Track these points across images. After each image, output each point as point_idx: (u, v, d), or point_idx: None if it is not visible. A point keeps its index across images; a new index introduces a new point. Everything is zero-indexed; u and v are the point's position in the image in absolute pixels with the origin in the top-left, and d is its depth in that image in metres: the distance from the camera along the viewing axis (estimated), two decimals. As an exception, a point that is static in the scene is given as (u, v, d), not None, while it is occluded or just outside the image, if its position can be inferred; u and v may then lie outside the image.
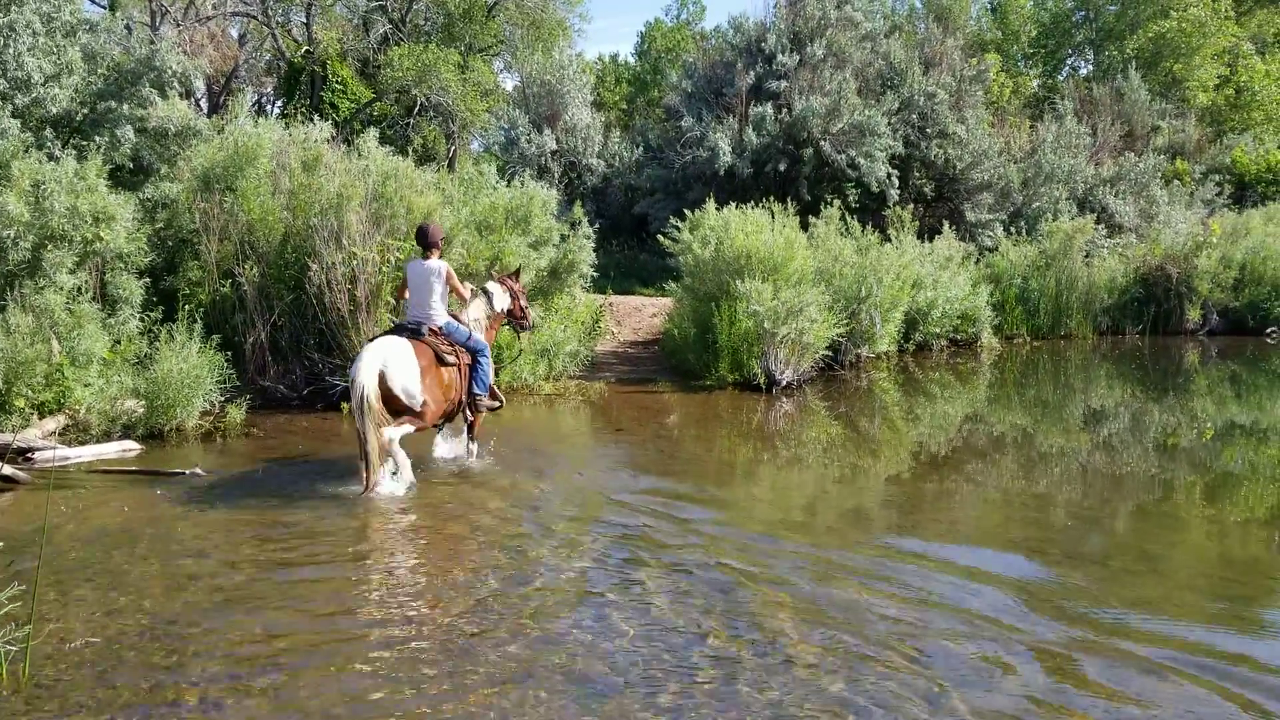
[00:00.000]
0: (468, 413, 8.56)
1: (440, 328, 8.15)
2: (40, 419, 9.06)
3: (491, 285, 8.97)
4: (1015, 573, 5.92)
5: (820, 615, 5.11)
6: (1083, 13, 38.83)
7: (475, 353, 8.37)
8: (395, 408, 7.49)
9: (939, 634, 4.86)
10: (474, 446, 8.76)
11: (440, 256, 8.32)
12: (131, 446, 8.99)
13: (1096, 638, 4.87)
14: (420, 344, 7.85)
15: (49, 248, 9.71)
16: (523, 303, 9.24)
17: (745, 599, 5.32)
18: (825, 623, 5.01)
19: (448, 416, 8.36)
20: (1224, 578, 6.07)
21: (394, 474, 7.59)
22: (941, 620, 5.05)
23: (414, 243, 9.31)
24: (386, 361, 7.46)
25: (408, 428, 7.62)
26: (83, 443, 8.94)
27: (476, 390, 8.38)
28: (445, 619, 5.04)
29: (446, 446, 8.84)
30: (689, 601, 5.28)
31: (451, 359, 8.08)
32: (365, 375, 7.28)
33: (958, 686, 4.30)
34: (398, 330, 8.10)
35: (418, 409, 7.64)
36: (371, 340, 7.94)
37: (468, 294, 8.70)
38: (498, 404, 8.80)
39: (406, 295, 8.34)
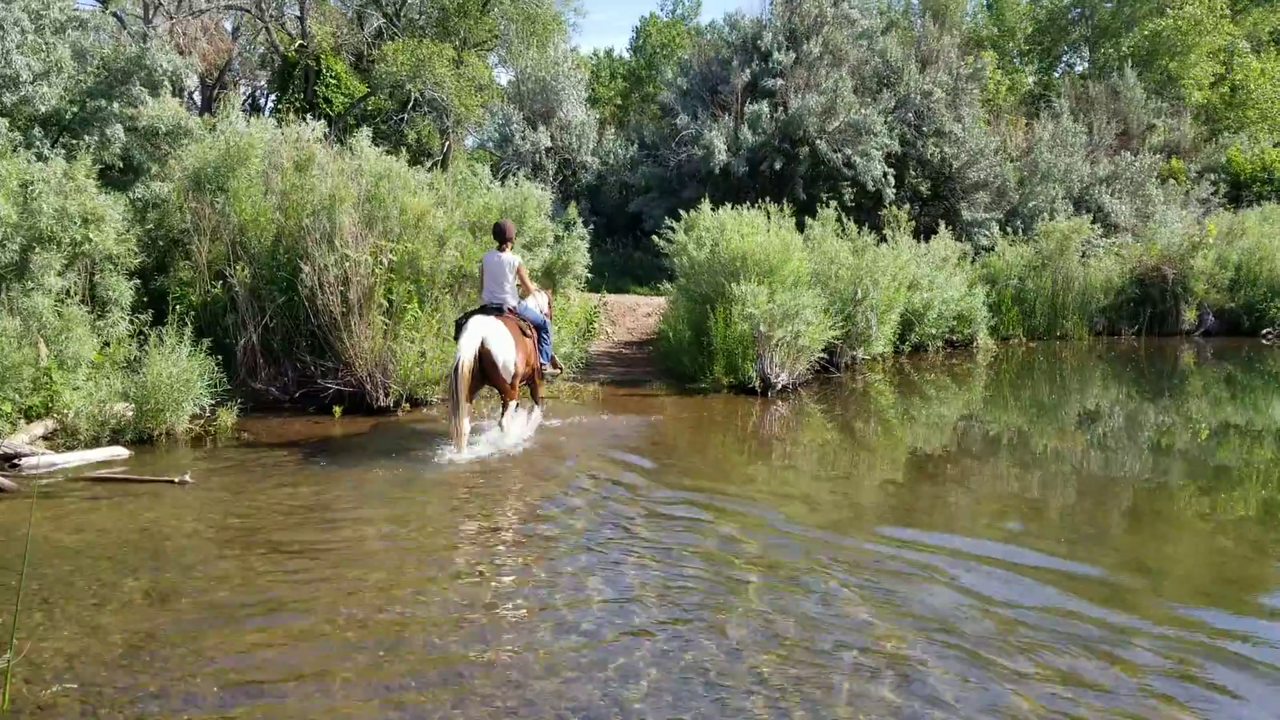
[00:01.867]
0: (533, 380, 10.18)
1: (513, 308, 9.72)
2: (28, 424, 8.96)
3: (541, 293, 10.78)
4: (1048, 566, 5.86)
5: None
6: (1078, 10, 38.77)
7: (540, 329, 10.12)
8: (494, 376, 9.14)
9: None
10: (537, 411, 10.31)
11: (512, 250, 9.84)
12: (120, 452, 8.88)
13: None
14: (506, 320, 9.40)
15: (37, 249, 9.59)
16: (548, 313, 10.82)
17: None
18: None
19: (527, 380, 9.88)
20: None
21: (473, 442, 9.10)
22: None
23: (490, 236, 10.82)
24: (486, 334, 9.03)
25: (514, 400, 9.45)
26: (71, 448, 8.83)
27: (542, 360, 10.19)
28: (438, 639, 4.96)
29: (516, 425, 9.71)
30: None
31: (528, 333, 9.76)
32: (467, 349, 8.83)
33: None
34: (484, 310, 9.55)
35: (511, 373, 9.20)
36: (465, 318, 9.51)
37: (534, 288, 10.31)
38: (558, 371, 11.07)
39: (482, 279, 9.84)
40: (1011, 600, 5.51)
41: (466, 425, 8.92)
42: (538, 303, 10.39)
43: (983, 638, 5.00)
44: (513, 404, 9.57)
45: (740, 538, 6.67)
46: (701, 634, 5.01)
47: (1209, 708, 4.33)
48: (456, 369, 8.72)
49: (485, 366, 9.02)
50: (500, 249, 9.68)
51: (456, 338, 9.31)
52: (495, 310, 9.50)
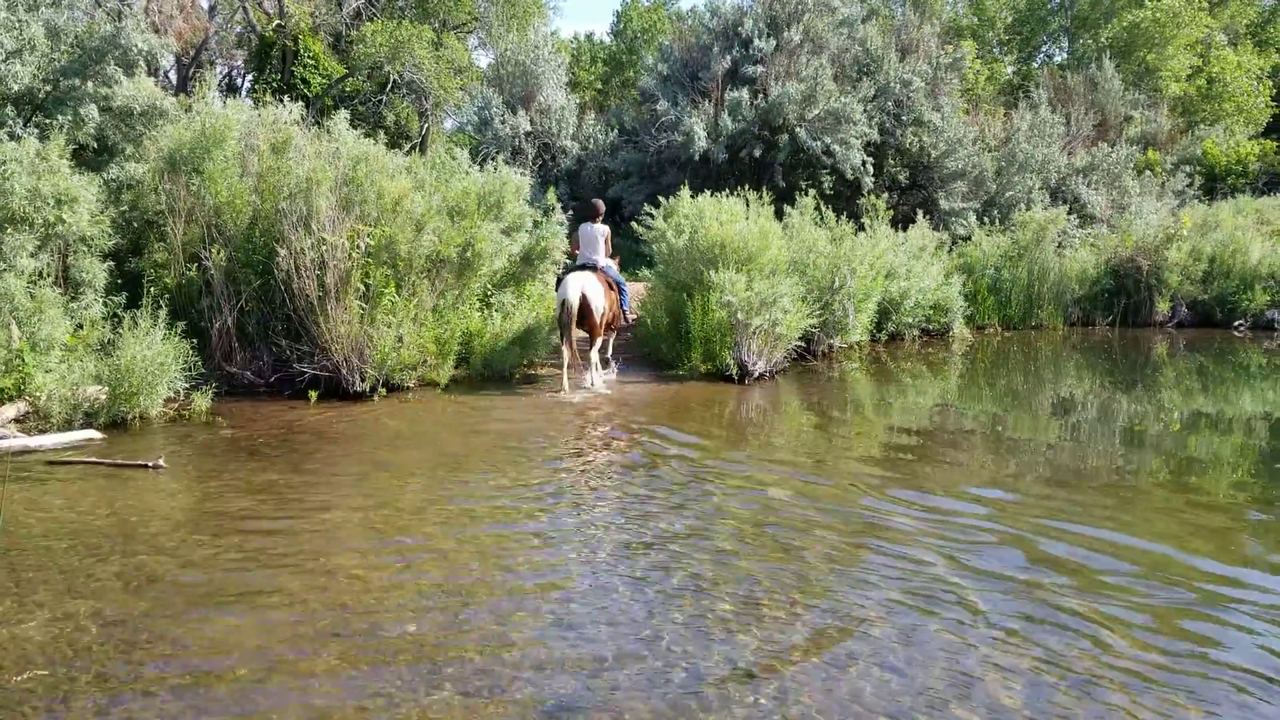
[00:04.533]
0: (611, 327, 12.63)
1: (602, 267, 12.21)
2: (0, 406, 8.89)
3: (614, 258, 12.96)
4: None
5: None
6: (1058, 0, 38.96)
7: (619, 284, 12.49)
8: (589, 318, 11.59)
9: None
10: (613, 366, 12.93)
11: (602, 221, 12.50)
12: (93, 435, 8.82)
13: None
14: (598, 274, 11.98)
15: (9, 230, 9.52)
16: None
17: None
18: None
19: (609, 325, 12.34)
20: None
21: (582, 385, 11.68)
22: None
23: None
24: (584, 285, 11.53)
25: (600, 338, 12.04)
26: (43, 431, 8.77)
27: (624, 306, 12.62)
28: (412, 628, 4.96)
29: (598, 374, 12.03)
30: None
31: (612, 287, 12.20)
32: (573, 294, 11.35)
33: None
34: (581, 267, 12.09)
35: (599, 317, 11.68)
36: (567, 272, 12.01)
37: (609, 251, 12.66)
38: (635, 318, 13.58)
39: (579, 247, 12.48)
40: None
41: (571, 357, 11.62)
42: (615, 263, 12.80)
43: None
44: (599, 341, 12.02)
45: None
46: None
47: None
48: (564, 309, 11.33)
49: (582, 309, 11.43)
50: (592, 221, 12.35)
51: (558, 288, 11.83)
52: (590, 268, 11.99)
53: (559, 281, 12.01)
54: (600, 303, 11.66)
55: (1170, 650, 4.81)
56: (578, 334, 11.81)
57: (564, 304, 11.36)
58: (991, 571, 5.80)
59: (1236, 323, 20.06)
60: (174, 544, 6.12)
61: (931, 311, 17.69)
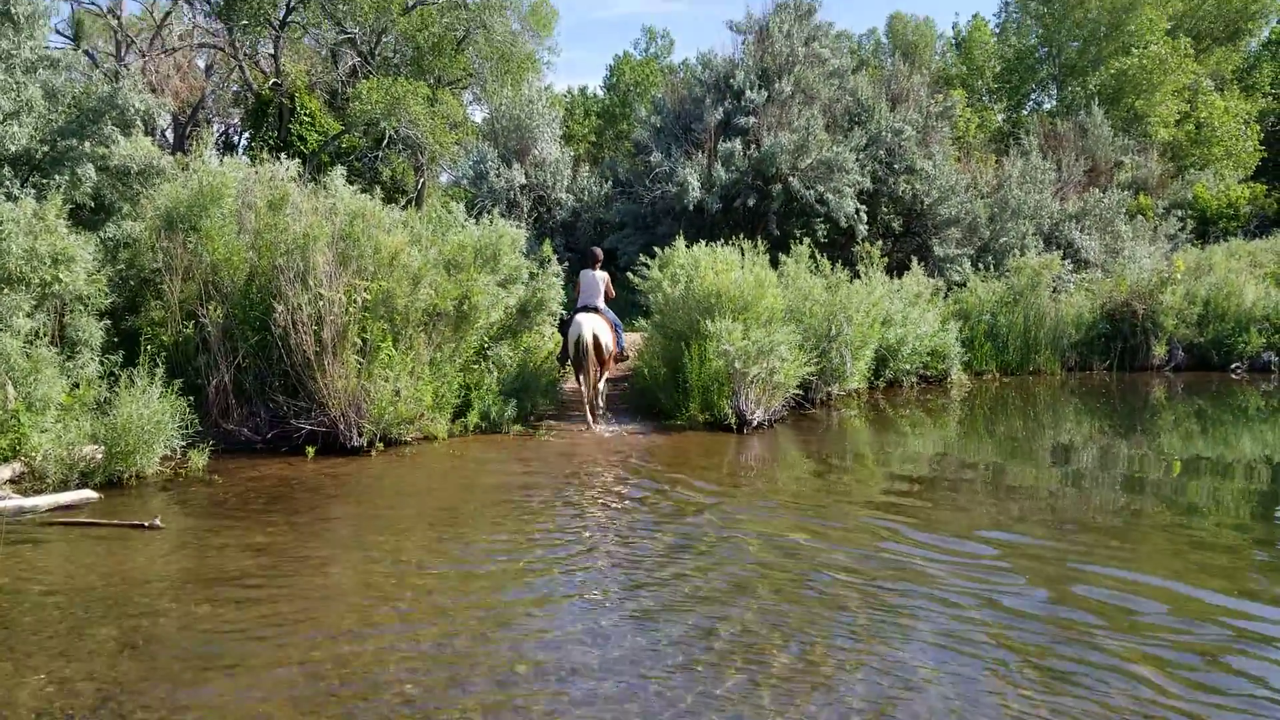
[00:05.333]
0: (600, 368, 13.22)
1: (600, 309, 13.11)
2: (-6, 467, 8.82)
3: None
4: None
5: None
6: (1045, 49, 39.45)
7: (617, 325, 13.35)
8: (599, 354, 12.71)
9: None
10: (604, 387, 13.58)
11: (600, 268, 13.45)
12: (89, 495, 8.75)
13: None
14: (601, 316, 12.97)
15: (5, 290, 9.50)
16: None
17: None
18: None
19: (605, 364, 13.20)
20: None
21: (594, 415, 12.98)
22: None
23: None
24: (594, 326, 12.67)
25: (605, 373, 13.34)
26: (39, 491, 8.69)
27: (619, 347, 13.36)
28: (412, 685, 4.88)
29: (598, 403, 13.34)
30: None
31: (611, 327, 13.09)
32: (586, 333, 12.52)
33: None
34: (584, 309, 13.00)
35: (607, 354, 12.86)
36: (574, 314, 12.97)
37: (610, 294, 13.59)
38: (627, 356, 14.20)
39: (579, 292, 13.36)
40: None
41: (589, 393, 12.91)
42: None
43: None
44: (605, 374, 13.30)
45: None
46: None
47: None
48: (579, 348, 12.52)
49: (592, 347, 12.54)
50: (592, 268, 13.36)
51: (563, 330, 13.30)
52: (591, 310, 12.99)
53: (565, 323, 13.25)
54: (607, 340, 12.87)
55: (1223, 688, 4.79)
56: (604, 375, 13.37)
57: (578, 343, 12.51)
58: (1025, 612, 5.88)
59: (1233, 365, 20.08)
60: (170, 605, 6.04)
61: (929, 358, 17.69)
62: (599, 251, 13.79)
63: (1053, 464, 11.27)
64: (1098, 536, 7.69)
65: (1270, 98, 39.14)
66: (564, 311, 14.20)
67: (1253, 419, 14.59)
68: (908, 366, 17.18)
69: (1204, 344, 20.44)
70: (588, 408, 12.86)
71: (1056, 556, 7.06)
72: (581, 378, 12.84)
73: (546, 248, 14.51)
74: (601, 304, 13.25)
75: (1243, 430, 13.66)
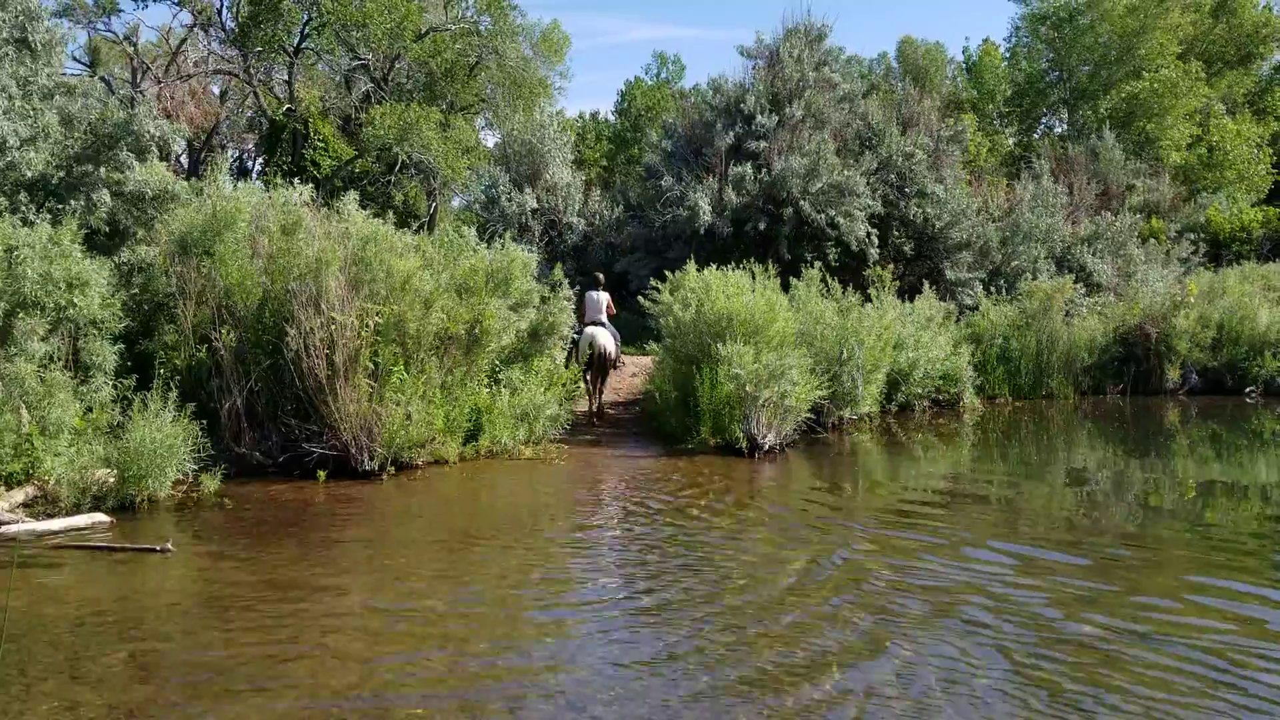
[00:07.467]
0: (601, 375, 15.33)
1: (604, 322, 14.84)
2: (8, 491, 8.84)
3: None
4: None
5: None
6: (1056, 73, 39.49)
7: (616, 337, 15.03)
8: (605, 360, 14.68)
9: None
10: (602, 395, 15.56)
11: (604, 289, 15.32)
12: (102, 519, 8.76)
13: None
14: (606, 330, 14.69)
15: (20, 315, 9.55)
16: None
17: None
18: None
19: (610, 366, 15.27)
20: None
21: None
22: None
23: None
24: (604, 337, 14.52)
25: (610, 374, 15.65)
26: (52, 515, 8.71)
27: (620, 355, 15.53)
28: (420, 711, 4.86)
29: (599, 400, 15.46)
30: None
31: (615, 338, 14.97)
32: (600, 341, 14.44)
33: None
34: (594, 323, 14.77)
35: (614, 360, 15.05)
36: (587, 327, 14.71)
37: (611, 312, 15.37)
38: (622, 365, 16.33)
39: (586, 309, 15.08)
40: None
41: (594, 388, 15.17)
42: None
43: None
44: (609, 376, 15.46)
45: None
46: None
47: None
48: (594, 352, 14.45)
49: (602, 353, 14.48)
50: (595, 289, 15.15)
51: (574, 343, 14.66)
52: (601, 324, 14.79)
53: (579, 335, 14.88)
54: (614, 348, 14.96)
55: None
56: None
57: (592, 346, 14.45)
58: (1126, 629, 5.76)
59: (1248, 389, 19.94)
60: (182, 629, 6.04)
61: (941, 382, 17.61)
62: (601, 276, 15.71)
63: (1065, 486, 11.20)
64: (1119, 552, 7.60)
65: (1282, 121, 39.09)
66: (575, 335, 15.29)
67: (1268, 443, 14.49)
68: (920, 390, 17.10)
69: (1218, 368, 20.29)
70: (590, 400, 15.25)
71: (1083, 578, 6.98)
72: (590, 374, 14.84)
73: (558, 271, 14.55)
74: (604, 319, 15.04)
75: (1258, 454, 13.57)
